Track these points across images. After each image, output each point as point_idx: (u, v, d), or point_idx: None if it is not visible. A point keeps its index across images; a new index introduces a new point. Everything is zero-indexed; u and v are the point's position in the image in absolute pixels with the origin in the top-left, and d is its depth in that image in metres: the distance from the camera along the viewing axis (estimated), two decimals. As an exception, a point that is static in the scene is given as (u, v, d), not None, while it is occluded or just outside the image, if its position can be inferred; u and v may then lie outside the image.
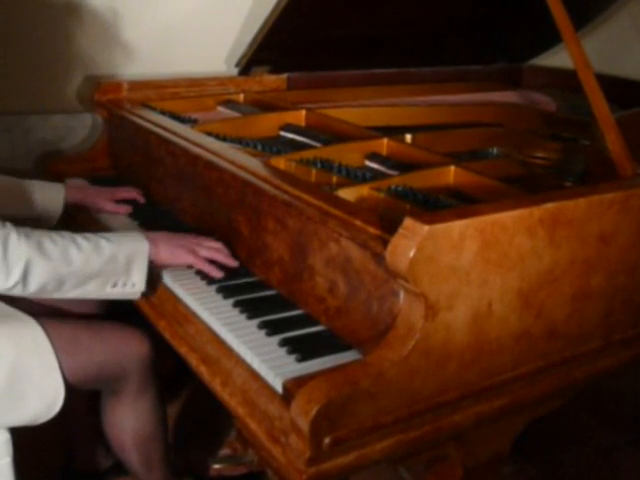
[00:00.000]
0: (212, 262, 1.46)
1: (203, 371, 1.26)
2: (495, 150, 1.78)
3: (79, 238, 1.36)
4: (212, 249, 1.47)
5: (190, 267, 1.49)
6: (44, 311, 1.49)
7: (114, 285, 1.39)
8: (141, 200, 1.82)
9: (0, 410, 1.34)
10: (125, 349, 1.45)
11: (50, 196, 1.72)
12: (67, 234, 1.36)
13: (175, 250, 1.45)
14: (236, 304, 1.36)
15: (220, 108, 2.17)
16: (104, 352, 1.43)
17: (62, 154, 2.23)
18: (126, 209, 1.78)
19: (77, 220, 1.79)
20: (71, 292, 1.36)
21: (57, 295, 1.36)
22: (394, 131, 1.80)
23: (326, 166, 1.59)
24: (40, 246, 1.30)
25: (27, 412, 1.36)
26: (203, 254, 1.46)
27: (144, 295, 1.45)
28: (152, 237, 1.45)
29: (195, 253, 1.45)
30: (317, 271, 1.30)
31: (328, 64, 2.33)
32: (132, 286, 1.40)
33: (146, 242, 1.42)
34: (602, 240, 1.27)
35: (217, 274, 1.44)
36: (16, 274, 1.28)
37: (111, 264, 1.36)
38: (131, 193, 1.82)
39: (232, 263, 1.47)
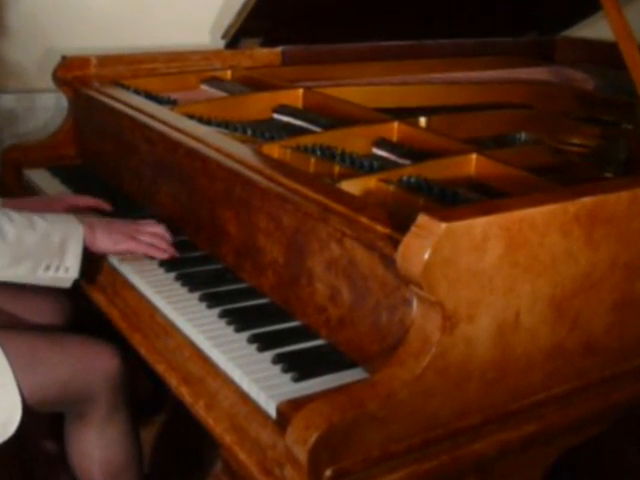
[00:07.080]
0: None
1: (184, 392, 1.26)
2: (523, 136, 1.79)
3: (11, 212, 1.45)
4: (154, 235, 1.57)
5: (167, 271, 1.51)
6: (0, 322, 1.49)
7: (47, 268, 1.46)
8: (107, 208, 1.76)
9: None
10: (92, 365, 1.46)
11: None
12: None
13: (114, 236, 1.54)
14: (222, 314, 1.36)
15: (204, 87, 2.18)
16: (68, 368, 1.44)
17: (19, 140, 2.24)
18: None
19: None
20: (1, 272, 1.43)
21: None
22: (406, 113, 1.81)
23: (327, 154, 1.59)
24: None
25: None
26: (144, 239, 1.56)
27: (118, 309, 1.46)
28: (88, 222, 1.53)
29: (136, 238, 1.56)
30: (317, 276, 1.30)
31: (329, 35, 2.33)
32: (65, 271, 1.48)
33: (81, 226, 1.50)
34: (647, 240, 1.27)
35: (161, 255, 1.55)
36: None
37: (45, 244, 1.45)
38: (88, 201, 1.76)
39: (171, 251, 1.57)
